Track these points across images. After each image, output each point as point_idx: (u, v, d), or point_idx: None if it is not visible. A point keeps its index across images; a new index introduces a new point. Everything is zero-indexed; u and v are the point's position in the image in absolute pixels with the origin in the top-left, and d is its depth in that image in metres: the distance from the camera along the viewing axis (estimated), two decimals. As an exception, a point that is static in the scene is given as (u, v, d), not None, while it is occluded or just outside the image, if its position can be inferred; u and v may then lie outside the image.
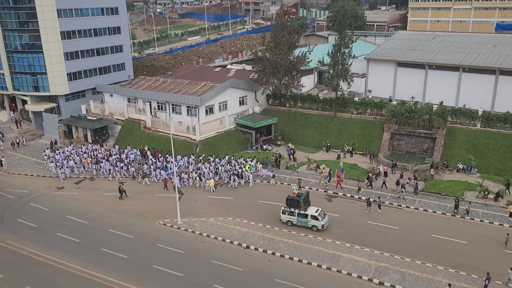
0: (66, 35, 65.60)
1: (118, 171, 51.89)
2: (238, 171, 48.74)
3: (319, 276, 33.01)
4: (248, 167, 49.41)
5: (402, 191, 44.05)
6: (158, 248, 37.18)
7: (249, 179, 48.64)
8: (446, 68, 62.09)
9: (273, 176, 48.64)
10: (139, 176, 50.55)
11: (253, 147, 57.45)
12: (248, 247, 37.05)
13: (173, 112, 58.40)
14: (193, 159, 52.60)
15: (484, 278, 30.84)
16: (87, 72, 69.69)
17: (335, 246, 36.55)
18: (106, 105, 64.91)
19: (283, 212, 40.20)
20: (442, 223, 39.77)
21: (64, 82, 66.38)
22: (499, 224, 39.03)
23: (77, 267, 34.81)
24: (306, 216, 39.09)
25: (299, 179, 48.17)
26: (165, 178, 48.85)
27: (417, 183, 45.17)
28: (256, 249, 36.68)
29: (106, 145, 59.43)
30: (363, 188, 46.21)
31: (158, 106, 59.76)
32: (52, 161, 53.76)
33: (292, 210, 39.56)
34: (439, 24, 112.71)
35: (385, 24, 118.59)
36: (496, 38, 67.50)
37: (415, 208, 42.45)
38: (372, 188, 46.24)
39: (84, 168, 53.44)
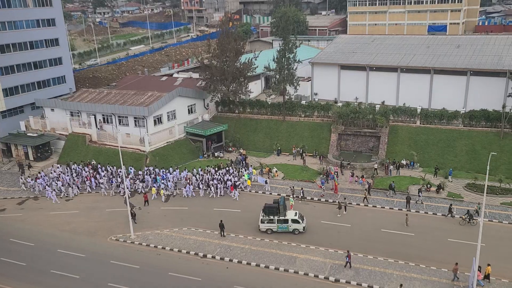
0: (0, 49, 62.34)
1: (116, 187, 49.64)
2: (234, 182, 47.84)
3: (278, 279, 33.38)
4: (247, 176, 49.06)
5: (419, 195, 43.53)
6: (112, 265, 36.02)
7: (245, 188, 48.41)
8: (386, 70, 65.16)
9: (266, 182, 48.15)
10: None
11: (204, 155, 57.20)
12: (205, 256, 36.80)
13: (120, 124, 56.94)
14: (187, 173, 50.64)
15: (345, 255, 33.96)
16: (25, 86, 66.43)
17: (291, 248, 37.15)
18: (47, 120, 62.09)
19: (262, 222, 39.65)
20: (391, 217, 41.53)
21: (0, 98, 62.86)
22: (442, 215, 41.34)
23: (25, 293, 33.03)
24: (286, 221, 39.09)
25: (292, 187, 46.87)
26: (145, 193, 47.48)
27: (365, 181, 46.93)
28: (213, 257, 36.52)
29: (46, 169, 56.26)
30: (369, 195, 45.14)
31: (104, 118, 58.04)
32: (46, 185, 50.07)
33: (271, 217, 39.24)
34: (377, 27, 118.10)
35: (326, 28, 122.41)
36: (429, 39, 71.67)
37: (364, 205, 44.05)
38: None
39: (78, 187, 50.40)
